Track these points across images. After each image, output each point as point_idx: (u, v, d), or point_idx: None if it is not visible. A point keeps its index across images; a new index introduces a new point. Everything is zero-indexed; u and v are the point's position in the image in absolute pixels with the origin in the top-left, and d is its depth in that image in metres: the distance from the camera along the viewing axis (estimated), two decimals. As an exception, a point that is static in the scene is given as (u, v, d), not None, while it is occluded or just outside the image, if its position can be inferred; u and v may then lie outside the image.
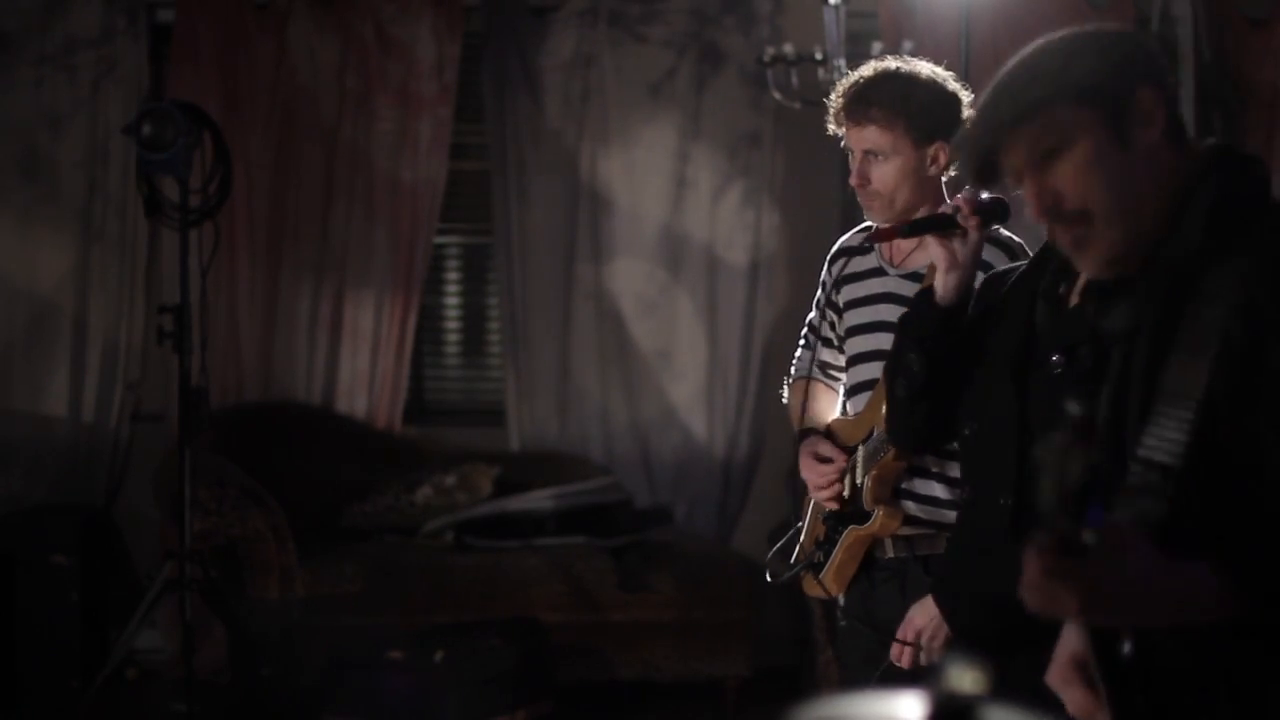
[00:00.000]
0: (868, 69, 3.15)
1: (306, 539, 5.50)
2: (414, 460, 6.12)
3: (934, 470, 3.12)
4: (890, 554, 3.17)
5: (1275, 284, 1.73)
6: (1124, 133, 1.83)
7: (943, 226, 2.77)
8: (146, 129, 4.74)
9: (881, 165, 3.10)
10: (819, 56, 5.36)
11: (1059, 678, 1.92)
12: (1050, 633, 1.92)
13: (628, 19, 6.27)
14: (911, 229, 2.89)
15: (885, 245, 3.25)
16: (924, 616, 2.95)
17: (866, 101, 3.09)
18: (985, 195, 2.71)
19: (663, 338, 6.30)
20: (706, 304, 6.28)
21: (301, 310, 6.26)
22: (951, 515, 3.10)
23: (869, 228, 3.31)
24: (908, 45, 5.47)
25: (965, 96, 3.13)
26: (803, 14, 5.96)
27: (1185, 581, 1.69)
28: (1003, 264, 3.07)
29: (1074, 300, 2.13)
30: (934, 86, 3.12)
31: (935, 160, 3.14)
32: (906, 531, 3.15)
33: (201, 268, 4.84)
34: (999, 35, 6.05)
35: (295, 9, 6.17)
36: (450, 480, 5.92)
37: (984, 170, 1.93)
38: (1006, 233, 3.17)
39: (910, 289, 3.15)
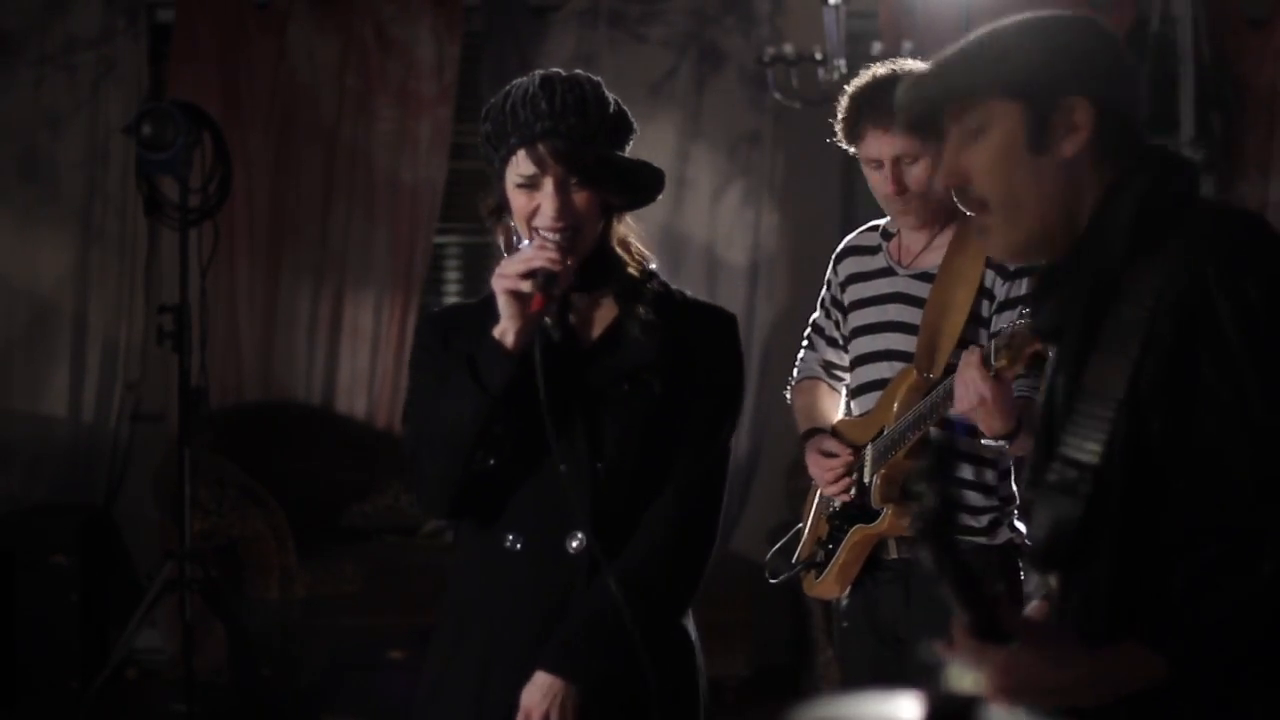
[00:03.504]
0: (871, 77, 3.15)
1: (306, 539, 5.50)
2: (414, 460, 6.11)
3: None
4: (894, 554, 3.17)
5: (1200, 280, 1.71)
6: (1041, 138, 1.81)
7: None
8: (146, 129, 4.74)
9: (914, 168, 3.10)
10: (819, 56, 5.36)
11: None
12: None
13: (628, 19, 6.27)
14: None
15: (894, 245, 3.25)
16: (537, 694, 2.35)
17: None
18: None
19: (663, 338, 6.29)
20: (706, 304, 6.27)
21: (301, 310, 6.26)
22: (960, 515, 3.11)
23: (875, 227, 3.31)
24: (908, 45, 5.47)
25: None
26: (803, 14, 5.96)
27: (1106, 659, 1.68)
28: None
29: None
30: None
31: None
32: (910, 532, 3.15)
33: (201, 268, 4.85)
34: (999, 35, 6.05)
35: (295, 9, 6.17)
36: (450, 480, 5.92)
37: (916, 125, 1.98)
38: None
39: (921, 289, 3.15)
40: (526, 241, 2.33)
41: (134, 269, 6.16)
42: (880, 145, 3.09)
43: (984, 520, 3.11)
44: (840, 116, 3.17)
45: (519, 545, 2.36)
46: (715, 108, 6.24)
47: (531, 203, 2.33)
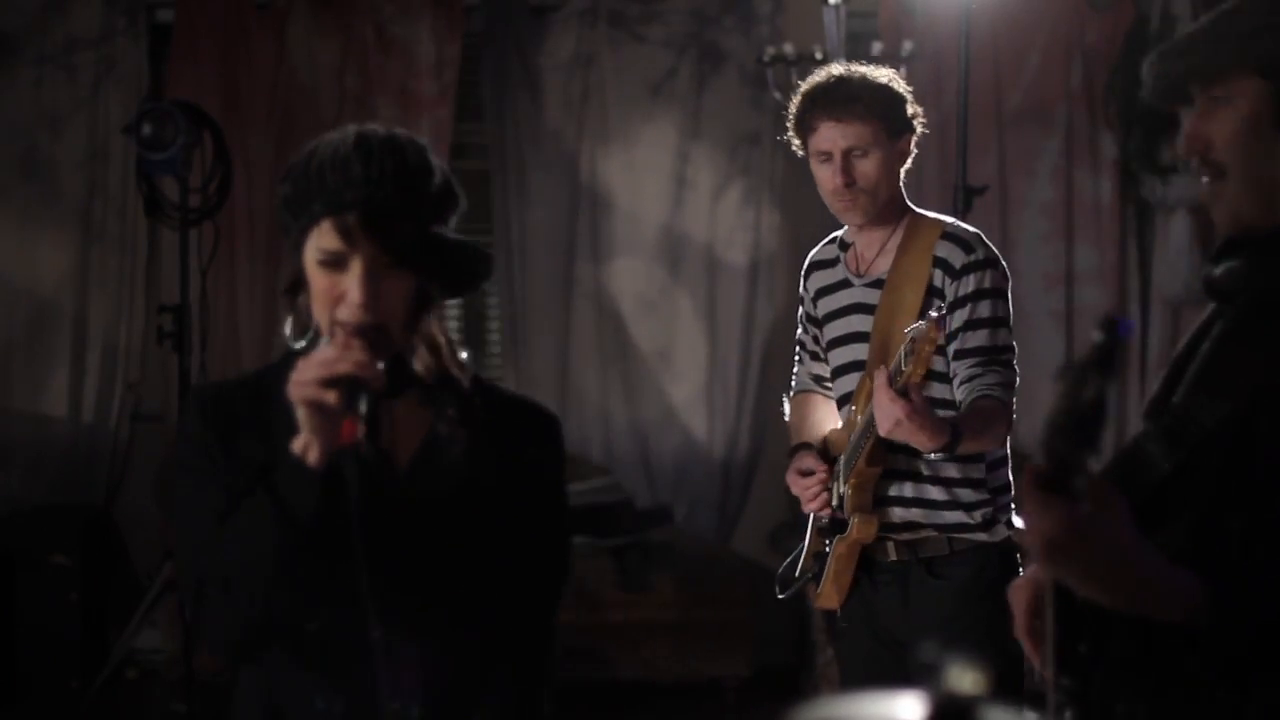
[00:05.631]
0: (826, 74, 3.18)
1: (306, 539, 5.49)
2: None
3: (925, 473, 3.12)
4: (893, 557, 3.17)
5: None
6: None
7: None
8: (146, 129, 4.75)
9: (864, 161, 3.12)
10: (819, 56, 5.36)
11: (1019, 595, 1.94)
12: None
13: (628, 19, 6.27)
14: None
15: (850, 255, 3.26)
16: None
17: (850, 97, 3.10)
18: None
19: (662, 338, 6.30)
20: (706, 304, 6.28)
21: (301, 310, 6.25)
22: (950, 516, 3.11)
23: (834, 239, 3.34)
24: (908, 45, 5.48)
25: (908, 95, 3.18)
26: (803, 14, 5.96)
27: (1158, 569, 1.67)
28: (958, 259, 3.08)
29: None
30: (892, 85, 3.17)
31: (904, 154, 3.17)
32: (908, 536, 3.15)
33: (201, 268, 4.85)
34: (999, 35, 6.06)
35: (295, 9, 6.17)
36: (450, 480, 5.92)
37: (1166, 94, 1.96)
38: (963, 225, 3.20)
39: (874, 296, 3.16)
40: (325, 339, 1.96)
41: (134, 269, 6.16)
42: (833, 135, 3.11)
43: (978, 516, 3.11)
44: (792, 112, 3.20)
45: (334, 711, 2.00)
46: (715, 108, 6.24)
47: (334, 287, 1.95)
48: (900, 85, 3.16)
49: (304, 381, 1.89)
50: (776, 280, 6.25)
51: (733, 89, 6.23)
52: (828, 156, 3.13)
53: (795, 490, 3.27)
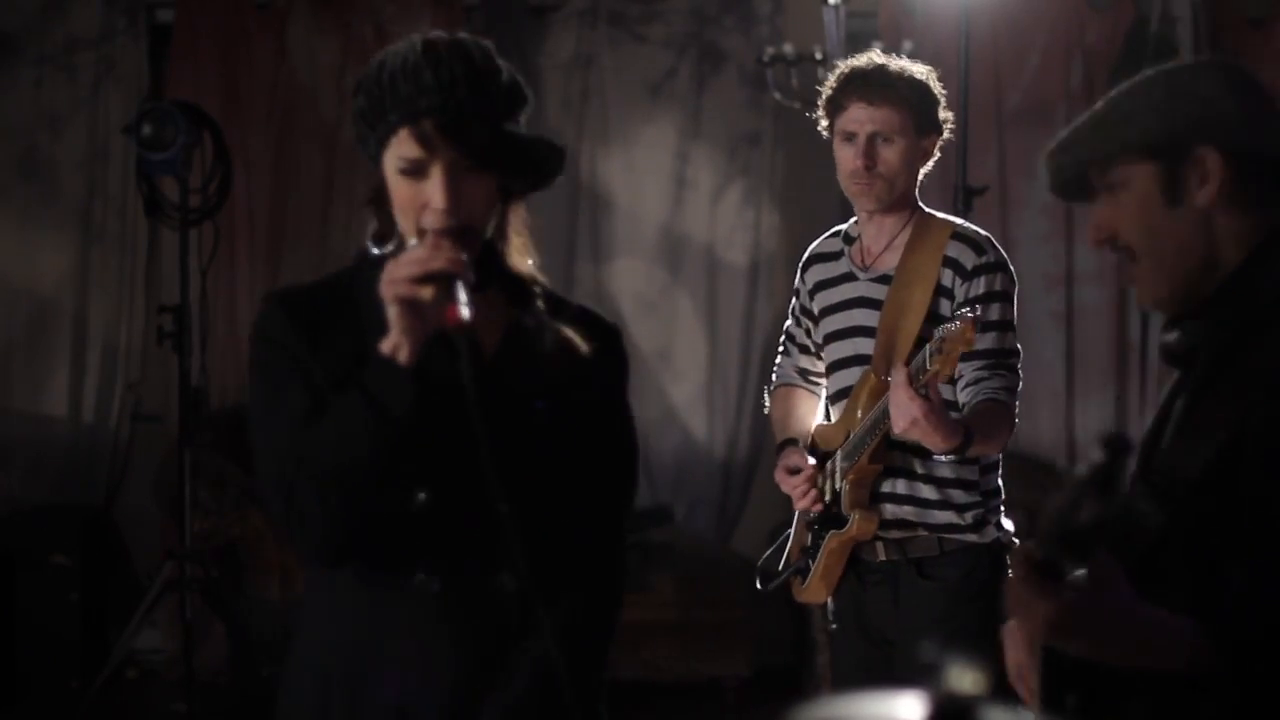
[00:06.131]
0: (865, 59, 3.17)
1: (306, 539, 5.48)
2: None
3: (920, 471, 3.12)
4: (882, 557, 3.17)
5: None
6: (1175, 190, 1.85)
7: None
8: (146, 129, 4.75)
9: (888, 148, 3.11)
10: (819, 56, 5.36)
11: (1010, 640, 1.97)
12: None
13: (628, 19, 6.27)
14: None
15: (856, 249, 3.25)
16: None
17: (886, 83, 3.10)
18: None
19: (663, 338, 6.30)
20: (706, 304, 6.28)
21: (301, 310, 6.25)
22: (940, 516, 3.12)
23: (838, 232, 3.33)
24: (908, 45, 5.48)
25: (942, 99, 3.17)
26: (803, 14, 5.96)
27: (1158, 626, 1.70)
28: (969, 260, 3.09)
29: None
30: (929, 82, 3.16)
31: (927, 154, 3.17)
32: (897, 535, 3.15)
33: (201, 268, 4.85)
34: (999, 35, 6.06)
35: (295, 9, 6.17)
36: (450, 480, 5.92)
37: (1066, 189, 1.98)
38: (973, 227, 3.19)
39: (882, 292, 3.16)
40: (413, 240, 1.99)
41: (134, 269, 6.17)
42: (861, 117, 3.11)
43: (969, 517, 3.11)
44: (826, 90, 3.19)
45: (435, 586, 2.02)
46: (715, 108, 6.25)
47: (418, 194, 1.98)
48: (936, 86, 3.16)
49: (398, 279, 1.89)
50: (776, 280, 6.25)
51: (733, 89, 6.23)
52: (852, 137, 3.13)
53: (784, 488, 3.27)
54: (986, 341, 3.04)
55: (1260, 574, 1.71)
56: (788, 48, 5.57)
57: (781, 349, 3.47)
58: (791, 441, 3.32)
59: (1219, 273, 1.86)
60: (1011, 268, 3.15)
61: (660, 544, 5.73)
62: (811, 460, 3.23)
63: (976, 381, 3.04)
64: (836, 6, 5.20)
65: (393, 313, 1.89)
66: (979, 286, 3.07)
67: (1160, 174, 1.85)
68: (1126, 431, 1.66)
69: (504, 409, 1.99)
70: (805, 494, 3.21)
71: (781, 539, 3.40)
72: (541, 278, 2.18)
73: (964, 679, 1.08)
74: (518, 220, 2.13)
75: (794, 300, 3.40)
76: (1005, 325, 3.09)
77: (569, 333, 2.12)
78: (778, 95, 5.62)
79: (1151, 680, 1.71)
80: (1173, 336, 1.92)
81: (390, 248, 2.03)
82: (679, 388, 6.30)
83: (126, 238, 6.17)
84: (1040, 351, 5.88)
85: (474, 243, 1.99)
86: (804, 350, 3.39)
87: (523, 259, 2.14)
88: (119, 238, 6.17)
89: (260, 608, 5.36)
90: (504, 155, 2.00)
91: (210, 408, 4.92)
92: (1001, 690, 1.38)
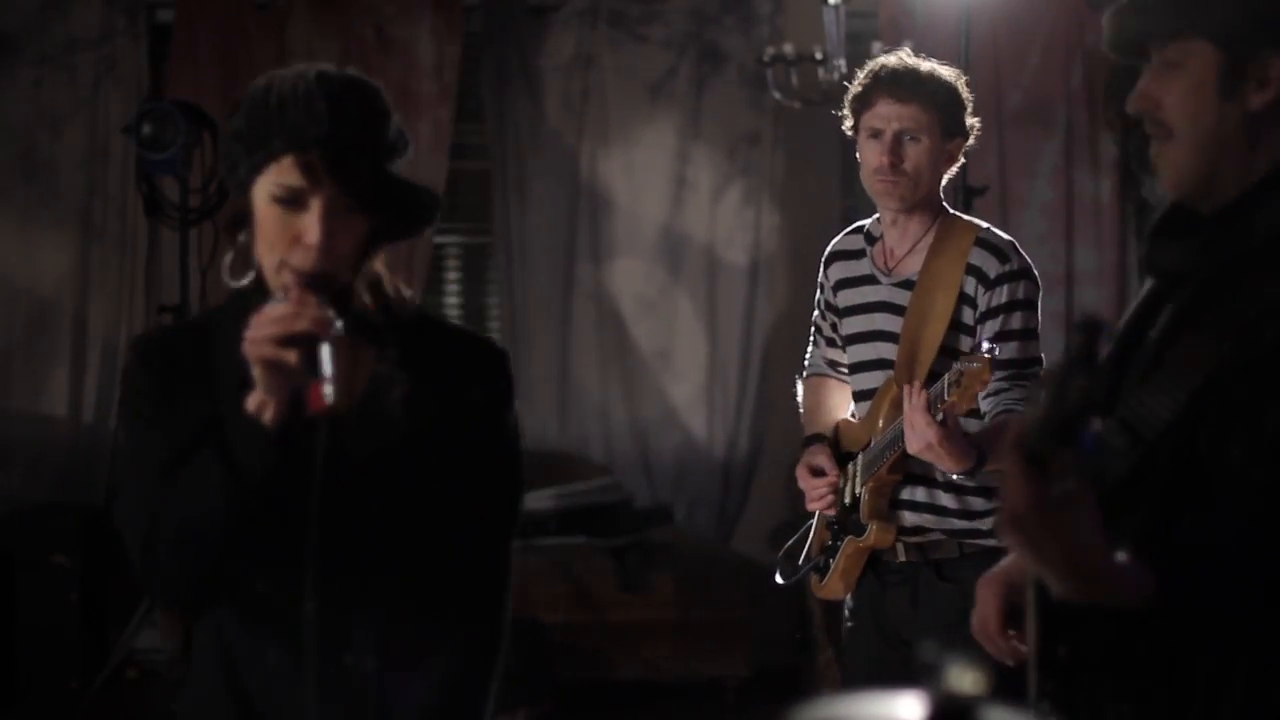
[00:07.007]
0: (895, 58, 3.15)
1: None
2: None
3: (939, 479, 3.10)
4: (902, 558, 3.16)
5: None
6: (1232, 86, 1.85)
7: None
8: (146, 129, 4.75)
9: (914, 146, 3.09)
10: (819, 56, 5.36)
11: (988, 589, 2.01)
12: None
13: (628, 19, 6.27)
14: None
15: (878, 250, 3.24)
16: None
17: (916, 81, 3.09)
18: None
19: (662, 338, 6.30)
20: (706, 304, 6.28)
21: (301, 310, 6.24)
22: (960, 523, 3.10)
23: (859, 228, 3.31)
24: (907, 45, 5.47)
25: (969, 104, 3.16)
26: (803, 14, 5.96)
27: (1113, 559, 1.68)
28: (993, 268, 3.07)
29: None
30: (958, 86, 3.15)
31: (953, 158, 3.15)
32: (917, 539, 3.14)
33: (201, 268, 4.85)
34: (999, 35, 6.06)
35: (295, 9, 6.17)
36: (450, 480, 5.91)
37: (1121, 48, 1.98)
38: (997, 231, 3.18)
39: (903, 297, 3.14)
40: (276, 282, 1.94)
41: (134, 269, 6.16)
42: (889, 114, 3.08)
43: (988, 523, 3.10)
44: (855, 86, 3.16)
45: (286, 668, 1.98)
46: (715, 108, 6.25)
47: (288, 226, 1.91)
48: (965, 90, 3.15)
49: (260, 339, 1.84)
50: (776, 280, 6.25)
51: (732, 89, 6.23)
52: (878, 133, 3.10)
53: (803, 485, 3.25)
54: (1009, 351, 3.02)
55: (1206, 525, 1.72)
56: (788, 48, 5.57)
57: (811, 339, 3.45)
58: (819, 438, 3.31)
59: (1249, 178, 1.86)
60: (1035, 273, 3.12)
61: (660, 544, 5.73)
62: (834, 470, 3.21)
63: (997, 392, 3.02)
64: (836, 6, 5.20)
65: (257, 373, 1.85)
66: (1002, 295, 3.05)
67: (1222, 63, 1.85)
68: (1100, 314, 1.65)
69: (364, 465, 1.96)
70: (822, 498, 3.21)
71: (799, 533, 3.39)
72: (415, 303, 2.10)
73: (964, 679, 1.08)
74: (380, 262, 2.04)
75: (818, 294, 3.38)
76: (1028, 334, 3.08)
77: (439, 363, 2.05)
78: (778, 95, 5.62)
79: (1139, 623, 1.71)
80: (1169, 248, 1.91)
81: (246, 281, 1.99)
82: (679, 388, 6.31)
83: (126, 238, 6.17)
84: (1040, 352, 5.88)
85: (337, 291, 1.92)
86: (830, 343, 3.37)
87: (395, 297, 2.06)
88: (119, 238, 6.17)
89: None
90: (384, 197, 1.95)
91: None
92: (1008, 692, 1.37)
